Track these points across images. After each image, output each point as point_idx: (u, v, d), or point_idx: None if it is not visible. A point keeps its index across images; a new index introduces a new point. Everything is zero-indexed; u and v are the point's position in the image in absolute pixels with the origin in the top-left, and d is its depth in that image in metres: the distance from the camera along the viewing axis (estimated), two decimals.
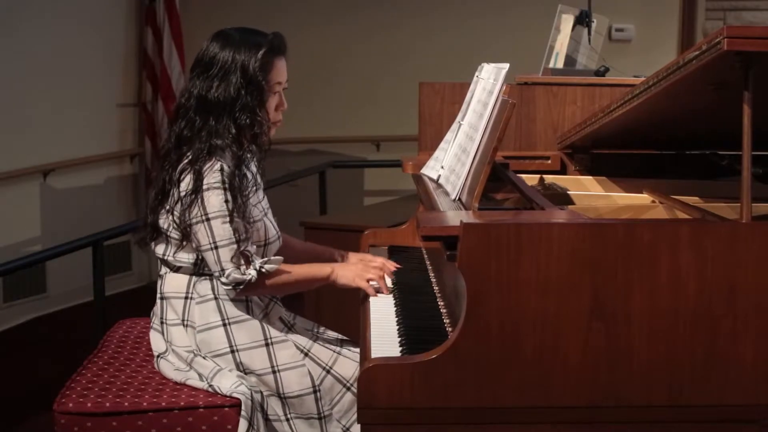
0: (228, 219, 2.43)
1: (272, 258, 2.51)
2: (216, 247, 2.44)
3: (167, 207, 2.50)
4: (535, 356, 1.98)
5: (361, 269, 2.65)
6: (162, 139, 5.91)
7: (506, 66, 2.57)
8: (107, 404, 2.42)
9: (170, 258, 2.55)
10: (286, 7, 6.33)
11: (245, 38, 2.52)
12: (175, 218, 2.47)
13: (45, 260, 4.70)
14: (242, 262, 2.44)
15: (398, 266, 2.75)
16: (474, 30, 6.33)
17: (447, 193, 2.60)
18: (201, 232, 2.44)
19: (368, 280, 2.62)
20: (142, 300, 5.60)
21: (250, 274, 2.44)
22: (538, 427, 2.02)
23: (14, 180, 5.31)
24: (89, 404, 2.42)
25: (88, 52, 5.82)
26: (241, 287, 2.46)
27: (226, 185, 2.43)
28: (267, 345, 2.53)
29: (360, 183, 6.68)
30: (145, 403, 2.43)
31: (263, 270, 2.46)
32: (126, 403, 2.43)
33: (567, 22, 3.79)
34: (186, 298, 2.55)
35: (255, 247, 2.52)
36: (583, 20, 3.79)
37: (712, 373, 2.00)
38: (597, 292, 1.97)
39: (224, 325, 2.52)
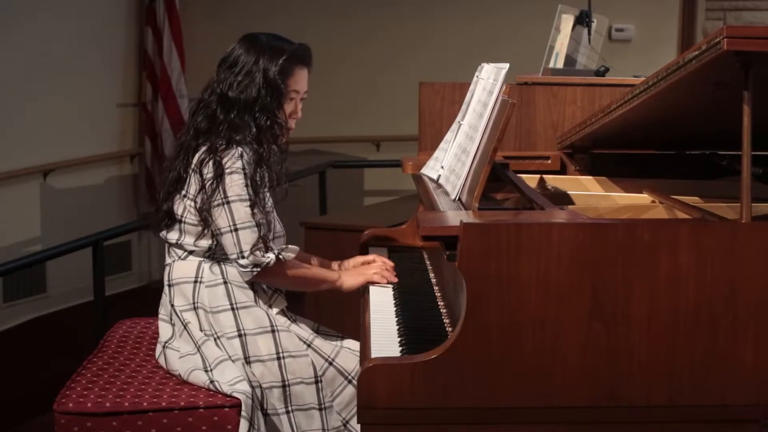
0: (249, 203, 2.50)
1: (290, 246, 2.58)
2: (236, 230, 2.49)
3: (183, 193, 2.56)
4: (535, 356, 1.98)
5: (363, 268, 2.76)
6: (162, 138, 5.98)
7: (506, 66, 2.57)
8: (107, 404, 2.43)
9: (184, 243, 2.58)
10: (285, 8, 6.32)
11: (270, 43, 2.63)
12: (196, 205, 2.53)
13: (45, 260, 4.70)
14: (261, 245, 2.50)
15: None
16: (474, 30, 6.33)
17: (447, 193, 2.60)
18: (221, 216, 2.50)
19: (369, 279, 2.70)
20: (142, 300, 5.62)
21: (269, 257, 2.51)
22: (538, 427, 2.02)
23: (14, 180, 5.31)
24: (89, 404, 2.42)
25: (88, 52, 5.82)
26: (259, 270, 2.50)
27: (246, 171, 2.50)
28: (273, 332, 2.56)
29: (360, 183, 6.68)
30: (145, 403, 2.43)
31: (281, 257, 2.53)
32: (126, 403, 2.43)
33: (567, 22, 3.78)
34: (195, 282, 2.58)
35: (274, 236, 2.58)
36: (583, 20, 3.79)
37: (712, 373, 2.00)
38: (597, 292, 1.97)
39: (232, 309, 2.56)
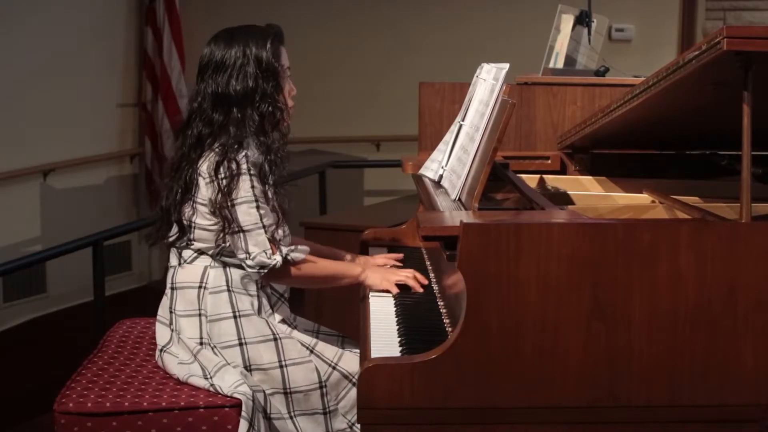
0: (255, 204, 2.48)
1: (299, 247, 2.55)
2: (243, 231, 2.48)
3: (192, 199, 2.53)
4: (535, 356, 1.98)
5: (389, 272, 2.67)
6: (162, 138, 5.98)
7: (506, 66, 2.57)
8: (107, 404, 2.43)
9: (193, 245, 2.56)
10: (286, 7, 6.32)
11: (249, 32, 2.59)
12: (210, 206, 2.50)
13: (45, 260, 4.70)
14: (269, 246, 2.48)
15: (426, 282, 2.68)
16: (474, 30, 6.33)
17: (447, 193, 2.60)
18: (230, 217, 2.48)
19: (396, 283, 2.61)
20: (142, 300, 5.62)
21: (275, 259, 2.48)
22: (538, 427, 2.02)
23: (14, 180, 5.31)
24: (89, 404, 2.42)
25: (88, 52, 5.82)
26: (266, 271, 2.49)
27: (252, 172, 2.48)
28: (275, 340, 2.54)
29: (360, 183, 6.68)
30: (145, 403, 2.43)
31: (289, 258, 2.50)
32: (126, 403, 2.43)
33: (567, 22, 3.79)
34: (200, 287, 2.56)
35: (283, 234, 2.55)
36: (583, 20, 3.80)
37: (712, 373, 2.00)
38: (597, 292, 1.97)
39: (234, 317, 2.54)
